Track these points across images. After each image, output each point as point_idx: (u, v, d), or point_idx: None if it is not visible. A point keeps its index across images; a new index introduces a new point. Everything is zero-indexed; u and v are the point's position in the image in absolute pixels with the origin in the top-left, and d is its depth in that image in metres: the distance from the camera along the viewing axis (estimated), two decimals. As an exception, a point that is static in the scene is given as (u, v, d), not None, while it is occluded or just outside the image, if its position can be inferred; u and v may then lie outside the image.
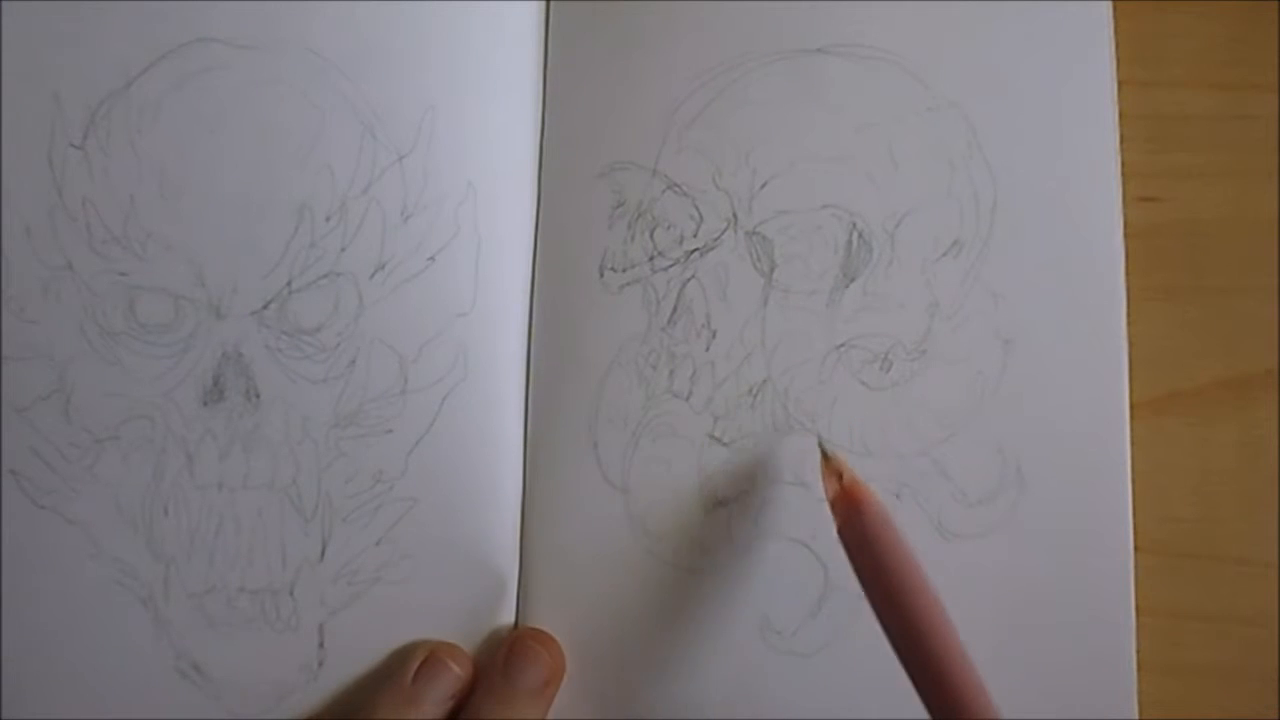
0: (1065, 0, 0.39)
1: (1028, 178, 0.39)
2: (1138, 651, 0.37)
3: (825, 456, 0.36)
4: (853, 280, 0.39)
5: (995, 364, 0.38)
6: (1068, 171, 0.39)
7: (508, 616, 0.39)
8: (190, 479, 0.38)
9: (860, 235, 0.39)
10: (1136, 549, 0.37)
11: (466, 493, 0.39)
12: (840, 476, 0.35)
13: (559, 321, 0.40)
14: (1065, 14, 0.39)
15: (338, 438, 0.39)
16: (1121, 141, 0.39)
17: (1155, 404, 0.39)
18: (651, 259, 0.40)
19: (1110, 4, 0.40)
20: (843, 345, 0.39)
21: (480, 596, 0.39)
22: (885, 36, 0.40)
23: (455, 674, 0.37)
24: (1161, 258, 0.39)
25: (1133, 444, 0.38)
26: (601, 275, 0.40)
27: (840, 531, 0.35)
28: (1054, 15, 0.39)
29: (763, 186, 0.40)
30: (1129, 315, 0.38)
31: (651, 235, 0.40)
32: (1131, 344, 0.38)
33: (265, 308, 0.39)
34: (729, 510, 0.38)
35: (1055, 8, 0.39)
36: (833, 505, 0.35)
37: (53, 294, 0.39)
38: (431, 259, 0.39)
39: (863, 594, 0.38)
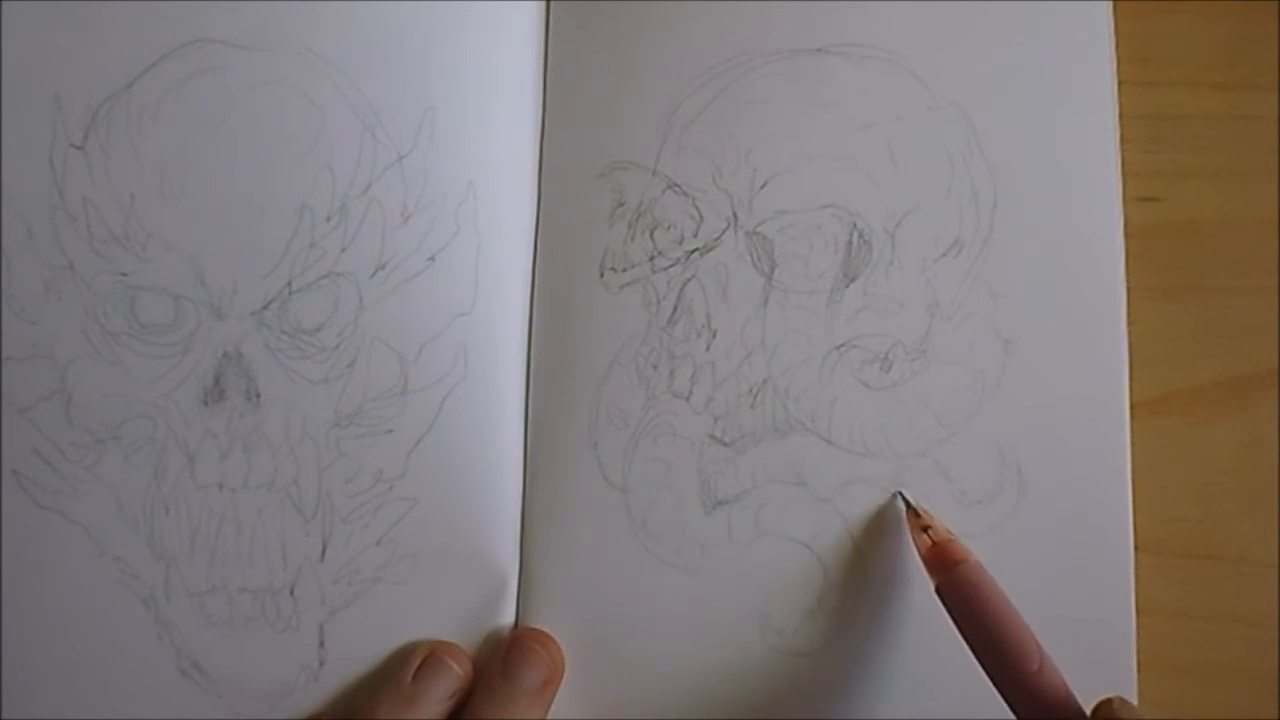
0: (1065, 0, 0.39)
1: (1028, 178, 0.39)
2: (1138, 651, 0.37)
3: (910, 510, 0.37)
4: (853, 280, 0.39)
5: (995, 364, 0.38)
6: (1068, 171, 0.39)
7: (508, 616, 0.39)
8: (191, 479, 0.38)
9: (860, 235, 0.39)
10: (1136, 549, 0.37)
11: (467, 493, 0.39)
12: (928, 530, 0.36)
13: (559, 321, 0.40)
14: (1065, 14, 0.39)
15: (338, 438, 0.39)
16: (1121, 141, 0.39)
17: (1155, 404, 0.39)
18: (651, 259, 0.40)
19: (1110, 4, 0.40)
20: (843, 345, 0.39)
21: (480, 596, 0.39)
22: (885, 36, 0.40)
23: (455, 674, 0.37)
24: (1161, 258, 0.39)
25: (1133, 444, 0.38)
26: (601, 275, 0.40)
27: (938, 589, 0.35)
28: (1054, 15, 0.39)
29: (763, 186, 0.40)
30: (1129, 315, 0.38)
31: (651, 235, 0.40)
32: (1131, 344, 0.38)
33: (265, 308, 0.39)
34: (729, 510, 0.38)
35: (1055, 8, 0.39)
36: (926, 562, 0.36)
37: (54, 294, 0.39)
38: (431, 259, 0.39)
39: (862, 593, 0.38)
